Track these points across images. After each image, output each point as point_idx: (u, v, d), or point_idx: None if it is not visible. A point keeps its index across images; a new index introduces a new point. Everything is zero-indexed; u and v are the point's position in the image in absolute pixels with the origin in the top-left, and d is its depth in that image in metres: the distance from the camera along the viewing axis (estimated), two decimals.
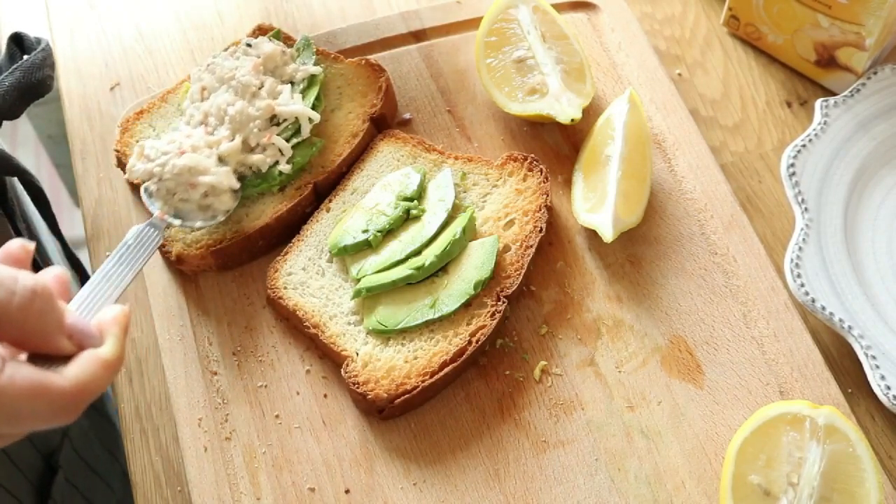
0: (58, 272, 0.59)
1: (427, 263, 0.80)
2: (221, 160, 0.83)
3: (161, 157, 0.81)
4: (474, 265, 0.81)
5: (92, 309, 0.63)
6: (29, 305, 0.52)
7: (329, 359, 0.81)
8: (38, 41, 0.85)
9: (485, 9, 0.94)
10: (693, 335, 0.81)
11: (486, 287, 0.80)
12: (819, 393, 0.78)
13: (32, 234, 0.96)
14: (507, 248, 0.83)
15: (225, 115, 0.84)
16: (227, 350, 0.82)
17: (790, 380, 0.79)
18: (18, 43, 0.85)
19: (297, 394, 0.79)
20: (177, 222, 0.81)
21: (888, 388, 0.77)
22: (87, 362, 0.55)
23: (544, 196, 0.85)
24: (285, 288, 0.82)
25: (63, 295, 0.58)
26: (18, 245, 0.58)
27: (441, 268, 0.81)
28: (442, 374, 0.77)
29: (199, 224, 0.82)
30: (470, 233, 0.83)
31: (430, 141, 0.90)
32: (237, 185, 0.83)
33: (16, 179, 0.93)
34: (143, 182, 0.82)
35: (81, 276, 1.07)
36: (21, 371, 0.52)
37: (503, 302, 0.80)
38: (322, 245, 0.84)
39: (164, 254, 0.84)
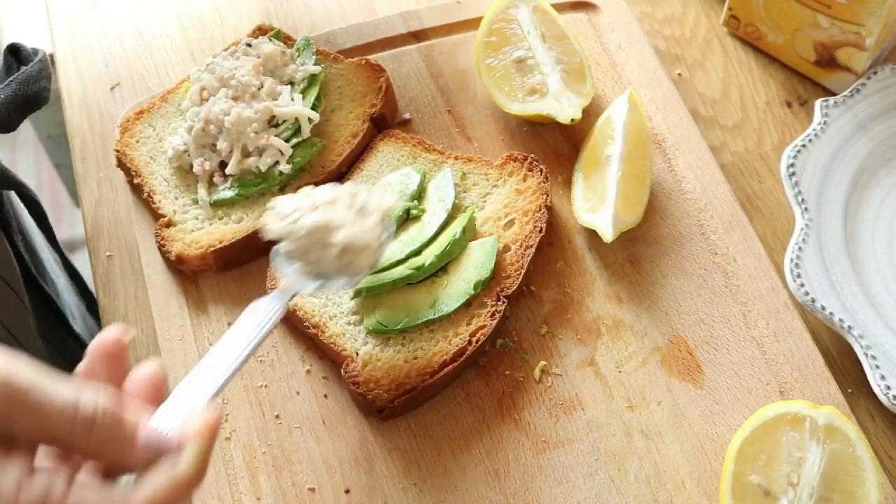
0: (151, 371, 0.54)
1: (427, 263, 0.80)
2: (362, 212, 0.73)
3: (294, 213, 0.72)
4: (474, 265, 0.81)
5: (184, 410, 0.56)
6: (87, 436, 0.49)
7: (329, 359, 0.81)
8: (35, 52, 0.85)
9: (485, 9, 0.94)
10: (693, 335, 0.81)
11: (486, 287, 0.80)
12: (819, 393, 0.78)
13: (29, 247, 0.96)
14: (506, 248, 0.83)
15: (222, 125, 0.84)
16: None
17: (790, 380, 0.79)
18: (15, 54, 0.84)
19: (297, 394, 0.79)
20: (313, 285, 0.71)
21: (888, 388, 0.77)
22: (158, 482, 0.50)
23: (544, 196, 0.85)
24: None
25: (155, 395, 0.54)
26: (113, 339, 0.54)
27: (441, 268, 0.81)
28: (442, 374, 0.77)
29: (339, 285, 0.72)
30: (470, 233, 0.83)
31: (430, 141, 0.90)
32: (378, 240, 0.73)
33: (13, 192, 0.93)
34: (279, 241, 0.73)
35: (79, 286, 1.06)
36: (86, 496, 0.48)
37: (503, 302, 0.80)
38: None
39: (164, 254, 0.84)
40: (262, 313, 0.66)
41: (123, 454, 0.50)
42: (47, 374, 0.50)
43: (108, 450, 0.50)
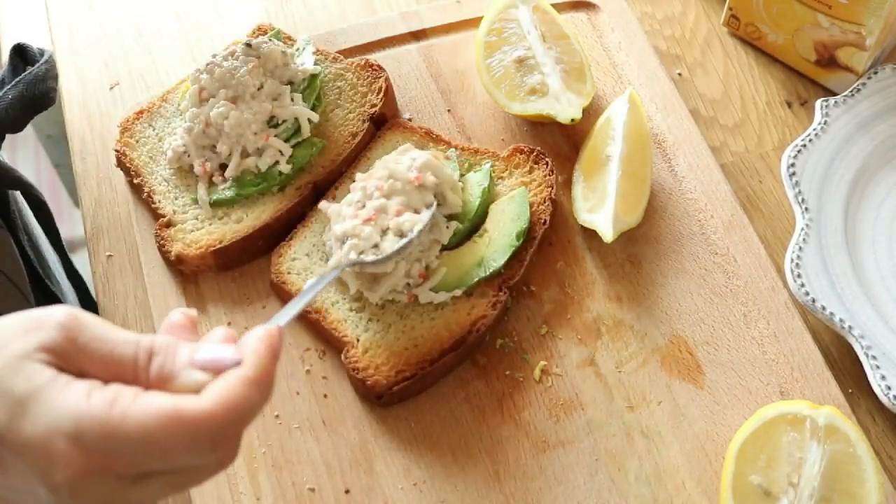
0: (186, 311, 0.54)
1: (467, 221, 0.83)
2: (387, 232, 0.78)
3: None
4: (510, 218, 0.82)
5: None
6: (148, 364, 0.49)
7: (330, 345, 0.81)
8: (42, 53, 0.85)
9: (485, 9, 0.94)
10: (693, 335, 0.81)
11: (526, 238, 0.82)
12: (819, 393, 0.78)
13: (35, 247, 0.96)
14: None
15: (221, 129, 0.85)
16: None
17: (790, 380, 0.79)
18: (22, 55, 0.85)
19: (297, 394, 0.79)
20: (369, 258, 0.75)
21: (888, 388, 0.77)
22: (228, 381, 0.49)
23: (549, 189, 0.85)
24: (289, 273, 0.82)
25: (191, 329, 0.53)
26: (181, 314, 0.54)
27: (475, 232, 0.83)
28: (441, 361, 0.77)
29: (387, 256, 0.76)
30: (493, 185, 0.86)
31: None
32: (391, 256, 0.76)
33: (18, 192, 0.93)
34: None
35: (80, 291, 1.06)
36: (145, 398, 0.47)
37: (504, 292, 0.80)
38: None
39: (164, 254, 0.84)
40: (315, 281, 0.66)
41: (182, 372, 0.49)
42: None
43: (169, 374, 0.49)
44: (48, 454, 0.46)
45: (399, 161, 0.82)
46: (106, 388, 0.48)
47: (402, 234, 0.77)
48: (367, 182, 0.81)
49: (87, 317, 0.50)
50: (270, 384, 0.50)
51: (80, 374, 0.49)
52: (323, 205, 0.82)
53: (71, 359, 0.49)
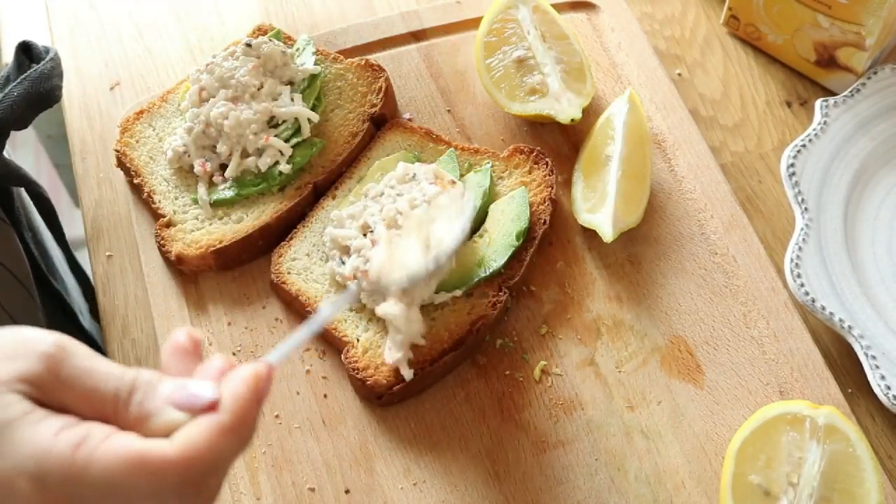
0: (191, 333, 0.51)
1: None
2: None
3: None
4: (510, 218, 0.83)
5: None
6: (129, 399, 0.47)
7: (330, 345, 0.81)
8: (47, 50, 0.85)
9: (485, 9, 0.94)
10: (693, 335, 0.81)
11: (526, 238, 0.82)
12: (819, 393, 0.78)
13: (39, 244, 0.96)
14: None
15: (221, 129, 0.85)
16: (226, 350, 0.82)
17: (790, 380, 0.79)
18: (27, 52, 0.85)
19: (297, 394, 0.80)
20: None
21: (888, 388, 0.77)
22: (199, 427, 0.46)
23: (549, 189, 0.85)
24: (288, 273, 0.83)
25: (194, 353, 0.51)
26: (185, 337, 0.52)
27: (476, 232, 0.83)
28: (441, 362, 0.77)
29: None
30: (493, 186, 0.86)
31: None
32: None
33: (22, 189, 0.93)
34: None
35: (85, 286, 1.06)
36: (112, 441, 0.45)
37: (504, 292, 0.80)
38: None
39: (164, 254, 0.84)
40: (327, 308, 0.63)
41: (162, 415, 0.47)
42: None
43: (147, 412, 0.47)
44: (10, 493, 0.45)
45: (409, 197, 0.80)
46: (77, 427, 0.46)
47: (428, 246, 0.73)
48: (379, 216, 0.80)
49: (74, 347, 0.48)
50: (248, 430, 0.48)
51: (61, 407, 0.47)
52: (335, 214, 0.82)
53: (52, 391, 0.47)
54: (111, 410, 0.48)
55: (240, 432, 0.47)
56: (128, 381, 0.48)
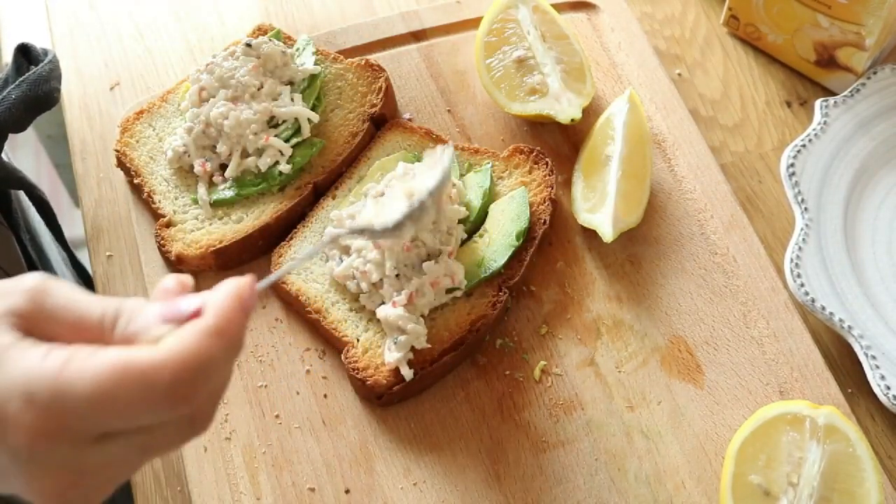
0: (180, 277, 0.52)
1: (471, 218, 0.83)
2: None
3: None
4: (510, 218, 0.83)
5: None
6: (114, 324, 0.48)
7: (330, 345, 0.81)
8: (46, 53, 0.85)
9: (485, 9, 0.94)
10: (693, 335, 0.81)
11: (526, 238, 0.82)
12: (819, 393, 0.78)
13: (37, 247, 0.96)
14: None
15: (221, 129, 0.85)
16: None
17: (790, 380, 0.79)
18: (25, 54, 0.85)
19: (297, 394, 0.80)
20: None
21: (888, 388, 0.77)
22: (185, 330, 0.47)
23: (549, 189, 0.85)
24: (288, 273, 0.82)
25: (182, 293, 0.51)
26: (174, 280, 0.51)
27: (476, 233, 0.83)
28: (441, 362, 0.77)
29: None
30: (493, 186, 0.86)
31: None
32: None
33: (21, 192, 0.93)
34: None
35: (87, 286, 1.06)
36: (100, 353, 0.45)
37: (504, 292, 0.80)
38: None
39: (164, 254, 0.84)
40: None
41: (148, 332, 0.47)
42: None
43: (133, 332, 0.48)
44: (3, 417, 0.45)
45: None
46: (64, 348, 0.47)
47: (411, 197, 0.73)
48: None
49: (57, 283, 0.50)
50: (235, 335, 0.48)
51: (49, 338, 0.48)
52: (335, 214, 0.82)
53: (38, 323, 0.48)
54: (97, 336, 0.48)
55: (226, 336, 0.47)
56: (112, 308, 0.49)
